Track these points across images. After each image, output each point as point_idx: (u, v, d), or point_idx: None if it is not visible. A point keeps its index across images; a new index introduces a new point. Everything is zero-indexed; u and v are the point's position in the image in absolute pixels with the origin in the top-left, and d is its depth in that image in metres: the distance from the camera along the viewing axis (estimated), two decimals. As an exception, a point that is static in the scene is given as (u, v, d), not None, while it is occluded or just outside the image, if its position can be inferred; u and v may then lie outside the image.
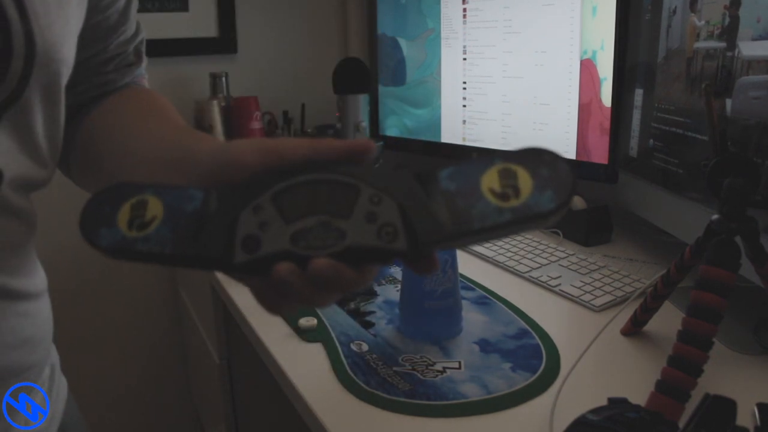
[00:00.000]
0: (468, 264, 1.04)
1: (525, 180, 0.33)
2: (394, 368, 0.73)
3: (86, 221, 0.36)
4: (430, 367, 0.73)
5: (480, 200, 0.33)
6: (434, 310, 0.78)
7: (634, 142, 1.04)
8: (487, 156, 0.35)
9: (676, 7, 0.91)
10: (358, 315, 0.86)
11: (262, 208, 0.35)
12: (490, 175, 0.34)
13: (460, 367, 0.73)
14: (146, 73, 0.63)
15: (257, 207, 0.35)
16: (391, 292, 0.93)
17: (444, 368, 0.73)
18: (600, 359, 0.74)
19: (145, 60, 0.62)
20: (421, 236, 0.33)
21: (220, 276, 1.00)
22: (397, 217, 0.34)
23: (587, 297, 0.89)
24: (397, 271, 0.98)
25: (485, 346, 0.78)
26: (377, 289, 0.94)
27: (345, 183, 0.35)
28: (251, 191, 0.35)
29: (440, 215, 0.34)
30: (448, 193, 0.34)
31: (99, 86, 0.58)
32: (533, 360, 0.74)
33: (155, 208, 0.36)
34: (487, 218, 0.33)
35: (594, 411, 0.49)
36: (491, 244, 1.09)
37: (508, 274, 1.00)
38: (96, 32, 0.55)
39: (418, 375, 0.71)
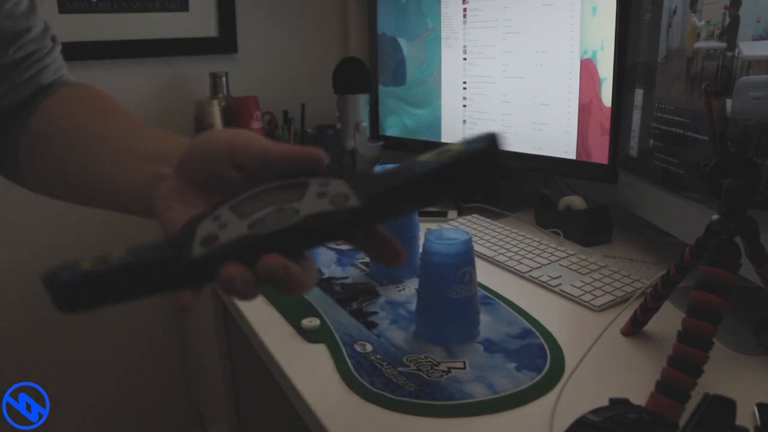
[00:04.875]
0: (468, 264, 1.04)
1: (457, 146, 0.37)
2: (399, 369, 0.73)
3: (51, 286, 0.35)
4: (434, 367, 0.73)
5: (418, 161, 0.37)
6: (454, 316, 0.78)
7: (634, 142, 1.04)
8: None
9: (676, 7, 0.91)
10: (360, 315, 0.86)
11: (220, 216, 0.37)
12: (424, 156, 0.37)
13: (464, 367, 0.73)
14: (64, 64, 0.61)
15: (216, 216, 0.37)
16: (393, 292, 0.94)
17: (449, 368, 0.73)
18: (600, 359, 0.74)
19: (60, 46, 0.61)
20: (370, 191, 0.36)
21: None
22: (345, 187, 0.36)
23: (587, 297, 0.89)
24: (397, 271, 0.98)
25: (489, 345, 0.78)
26: (379, 289, 0.95)
27: (296, 183, 0.38)
28: (210, 210, 0.37)
29: (384, 179, 0.37)
30: (386, 171, 0.38)
31: (21, 87, 0.56)
32: (538, 360, 0.74)
33: (118, 252, 0.36)
34: (426, 166, 0.36)
35: (595, 411, 0.49)
36: (491, 244, 1.09)
37: (509, 274, 1.00)
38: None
39: (424, 375, 0.71)
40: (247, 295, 0.36)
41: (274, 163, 0.39)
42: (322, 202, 0.36)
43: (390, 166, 0.39)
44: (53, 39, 0.59)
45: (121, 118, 0.53)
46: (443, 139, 1.39)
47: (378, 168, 0.41)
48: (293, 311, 0.87)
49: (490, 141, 0.36)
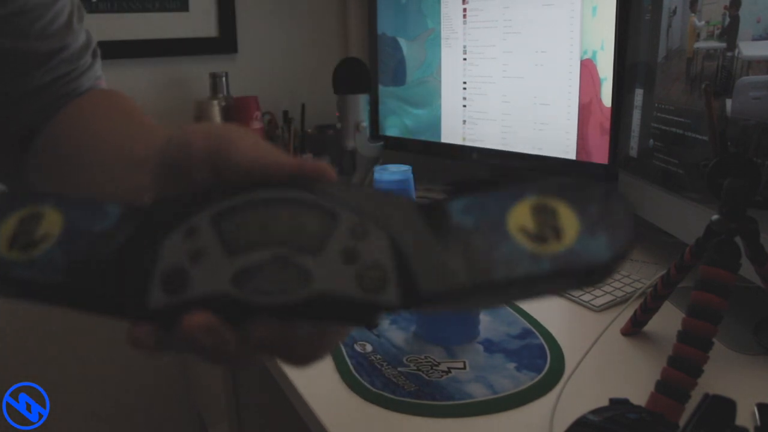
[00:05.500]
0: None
1: (569, 219, 0.25)
2: (399, 369, 0.73)
3: None
4: (434, 368, 0.73)
5: (507, 242, 0.24)
6: (454, 316, 0.78)
7: (634, 142, 1.04)
8: (513, 187, 0.26)
9: (676, 7, 0.91)
10: (359, 315, 0.86)
11: (196, 231, 0.25)
12: (519, 211, 0.25)
13: (464, 367, 0.73)
14: (102, 75, 0.55)
15: (192, 230, 0.25)
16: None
17: (449, 368, 0.73)
18: (600, 359, 0.74)
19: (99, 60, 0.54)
20: (421, 287, 0.24)
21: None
22: (388, 257, 0.24)
23: (587, 297, 0.89)
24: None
25: (489, 345, 0.78)
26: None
27: (318, 206, 0.25)
28: (185, 209, 0.26)
29: (450, 259, 0.24)
30: (462, 230, 0.25)
31: (45, 109, 0.49)
32: (538, 360, 0.74)
33: (52, 224, 0.27)
34: (516, 266, 0.24)
35: (595, 411, 0.49)
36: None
37: (509, 274, 1.00)
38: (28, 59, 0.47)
39: (424, 375, 0.71)
40: (223, 360, 0.26)
41: (262, 175, 0.28)
42: (347, 273, 0.24)
43: (466, 201, 0.26)
44: (94, 53, 0.52)
45: (127, 121, 0.46)
46: (443, 140, 1.39)
47: (455, 205, 0.25)
48: (293, 311, 0.86)
49: (620, 244, 0.24)
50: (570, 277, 0.24)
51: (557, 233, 0.24)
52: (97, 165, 0.42)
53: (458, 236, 0.25)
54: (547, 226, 0.25)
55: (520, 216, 0.25)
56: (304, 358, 0.27)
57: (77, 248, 0.26)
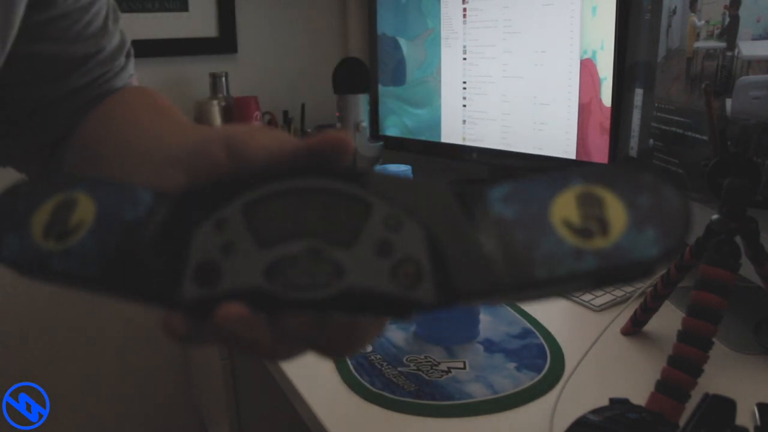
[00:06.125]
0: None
1: (616, 211, 0.23)
2: (399, 368, 0.73)
3: None
4: (434, 368, 0.73)
5: (550, 236, 0.23)
6: (454, 316, 0.78)
7: (634, 142, 1.04)
8: (559, 174, 0.25)
9: (676, 7, 0.91)
10: (359, 315, 0.86)
11: (227, 222, 0.25)
12: (564, 201, 0.24)
13: (464, 367, 0.73)
14: (134, 72, 0.55)
15: (221, 221, 0.25)
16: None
17: (449, 368, 0.73)
18: (601, 359, 0.74)
19: (132, 60, 0.54)
20: (458, 284, 0.23)
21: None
22: (422, 250, 0.23)
23: (587, 296, 0.89)
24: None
25: (489, 345, 0.78)
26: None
27: (351, 196, 0.25)
28: (215, 199, 0.26)
29: (488, 253, 0.23)
30: (501, 221, 0.24)
31: (81, 110, 0.49)
32: (538, 360, 0.74)
33: (85, 211, 0.27)
34: (559, 264, 0.23)
35: (595, 411, 0.49)
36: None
37: (509, 274, 1.00)
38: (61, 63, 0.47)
39: (423, 375, 0.71)
40: (257, 353, 0.26)
41: (283, 159, 0.28)
42: (381, 268, 0.23)
43: (507, 189, 0.25)
44: (128, 54, 0.52)
45: (158, 118, 0.45)
46: (443, 139, 1.39)
47: (495, 193, 0.23)
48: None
49: (670, 241, 0.22)
50: (615, 274, 0.23)
51: (603, 227, 0.23)
52: (129, 161, 0.41)
53: (497, 228, 0.24)
54: (592, 219, 0.23)
55: (565, 207, 0.24)
56: (340, 350, 0.26)
57: (111, 238, 0.26)
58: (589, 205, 0.23)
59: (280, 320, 0.25)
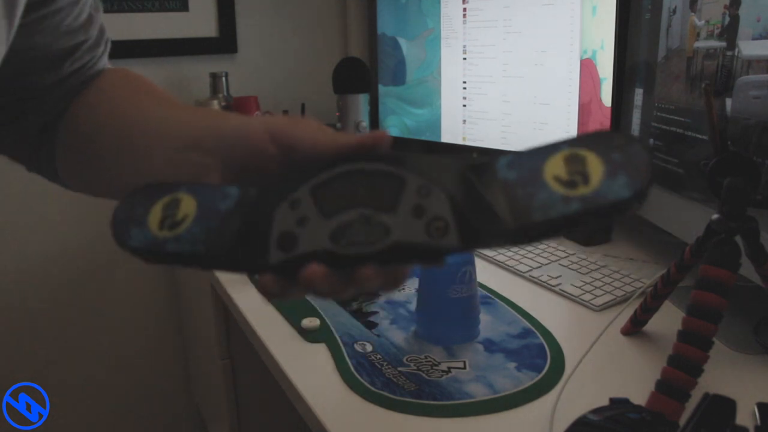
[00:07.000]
0: (468, 264, 1.04)
1: (595, 166, 0.30)
2: (399, 368, 0.73)
3: (117, 222, 0.35)
4: (435, 367, 0.73)
5: (543, 189, 0.30)
6: (454, 316, 0.78)
7: (634, 142, 1.04)
8: (551, 142, 0.32)
9: (676, 6, 0.91)
10: (361, 315, 0.86)
11: (299, 202, 0.33)
12: (554, 162, 0.31)
13: (465, 367, 0.73)
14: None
15: (295, 201, 0.33)
16: (393, 292, 0.94)
17: (449, 368, 0.73)
18: (601, 359, 0.74)
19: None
20: (475, 231, 0.30)
21: (221, 276, 1.00)
22: (448, 209, 0.31)
23: (587, 297, 0.89)
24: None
25: (489, 345, 0.78)
26: (378, 289, 0.94)
27: (389, 173, 0.32)
28: (288, 185, 0.33)
29: (497, 207, 0.30)
30: (505, 182, 0.31)
31: (70, 93, 0.52)
32: (538, 359, 0.74)
33: (188, 207, 0.35)
34: (551, 209, 0.29)
35: (595, 411, 0.49)
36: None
37: (509, 274, 1.00)
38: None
39: (424, 375, 0.71)
40: (333, 297, 0.34)
41: (324, 155, 0.36)
42: (417, 225, 0.31)
43: (510, 158, 0.32)
44: (107, 42, 0.55)
45: (156, 100, 0.48)
46: (443, 139, 1.39)
47: (501, 162, 0.32)
48: (293, 311, 0.86)
49: (639, 184, 0.29)
50: (596, 213, 0.29)
51: (585, 178, 0.30)
52: (138, 142, 0.45)
53: (503, 188, 0.31)
54: (576, 173, 0.30)
55: (555, 166, 0.31)
56: (388, 288, 0.34)
57: (211, 224, 0.34)
58: (574, 163, 0.30)
59: (347, 272, 0.32)
